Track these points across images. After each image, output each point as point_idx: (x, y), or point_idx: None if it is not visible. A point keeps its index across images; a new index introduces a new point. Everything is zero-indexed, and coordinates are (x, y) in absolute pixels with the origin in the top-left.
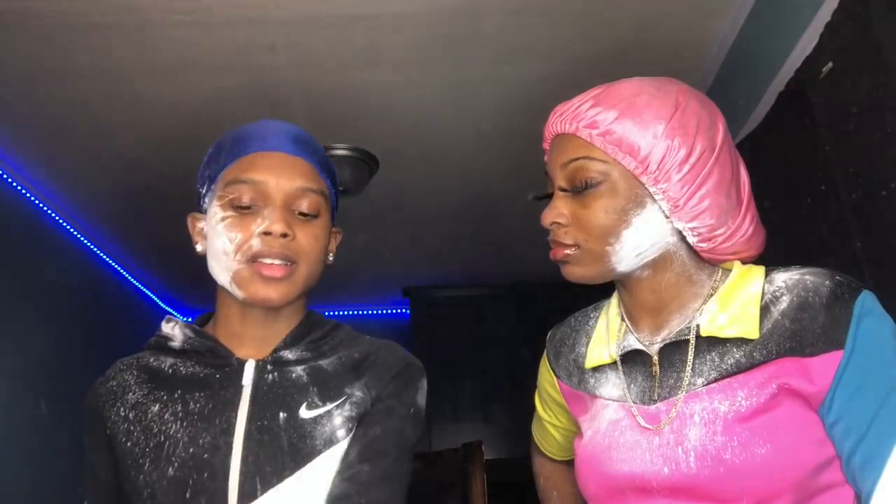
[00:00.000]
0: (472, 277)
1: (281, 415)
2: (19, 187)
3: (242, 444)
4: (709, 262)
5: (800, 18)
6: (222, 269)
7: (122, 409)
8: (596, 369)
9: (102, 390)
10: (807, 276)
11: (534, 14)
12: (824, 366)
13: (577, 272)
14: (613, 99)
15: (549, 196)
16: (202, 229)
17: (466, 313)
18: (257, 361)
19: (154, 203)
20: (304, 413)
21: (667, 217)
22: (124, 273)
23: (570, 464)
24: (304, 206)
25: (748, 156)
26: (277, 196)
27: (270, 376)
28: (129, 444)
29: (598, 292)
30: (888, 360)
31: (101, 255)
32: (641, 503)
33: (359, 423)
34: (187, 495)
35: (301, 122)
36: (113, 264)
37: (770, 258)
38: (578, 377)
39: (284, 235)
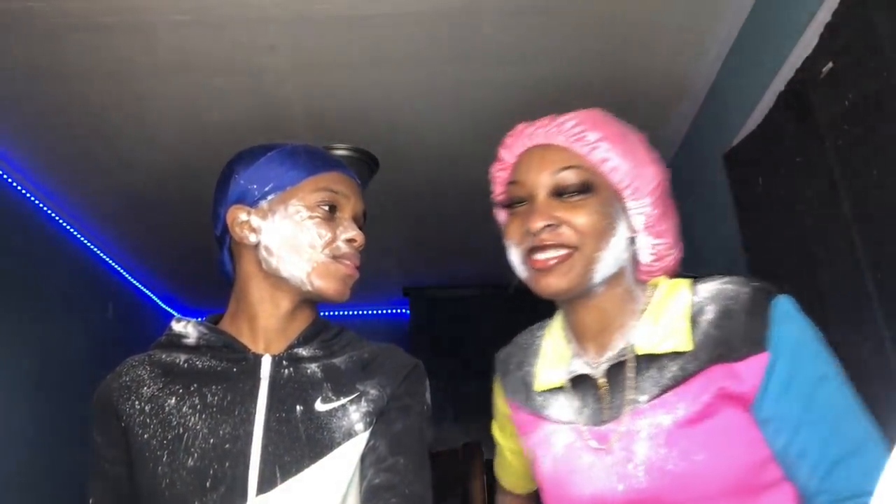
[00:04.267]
0: (472, 277)
1: (298, 407)
2: (19, 187)
3: (262, 434)
4: (642, 280)
5: (800, 18)
6: (302, 259)
7: (137, 402)
8: (545, 392)
9: (115, 385)
10: (727, 285)
11: (534, 14)
12: (752, 368)
13: (556, 284)
14: (593, 122)
15: (515, 204)
16: (248, 221)
17: (466, 313)
18: (273, 356)
19: (154, 203)
20: (320, 406)
21: (630, 234)
22: (124, 273)
23: (531, 497)
24: (361, 223)
25: (748, 156)
26: (353, 212)
27: (286, 371)
28: (145, 436)
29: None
30: (810, 356)
31: (102, 255)
32: None
33: (377, 418)
34: (208, 484)
35: (301, 122)
36: (113, 265)
37: (770, 257)
38: (526, 395)
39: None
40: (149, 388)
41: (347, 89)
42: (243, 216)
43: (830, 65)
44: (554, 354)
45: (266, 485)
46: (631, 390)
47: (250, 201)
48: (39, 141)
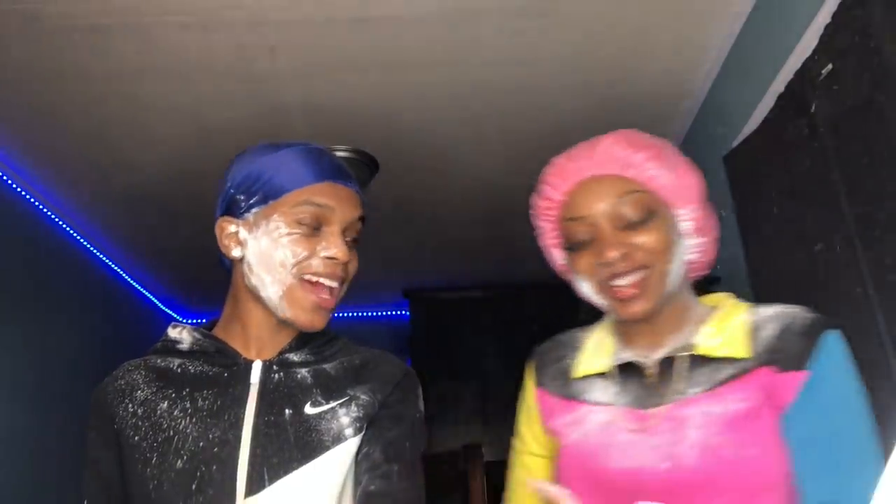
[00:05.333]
0: (471, 279)
1: (287, 411)
2: (19, 189)
3: (251, 437)
4: (690, 280)
5: (800, 20)
6: (275, 280)
7: (130, 405)
8: (585, 378)
9: (111, 388)
10: (789, 309)
11: (534, 17)
12: (793, 381)
13: (643, 308)
14: (634, 142)
15: (578, 245)
16: (235, 234)
17: (466, 315)
18: (264, 362)
19: (154, 205)
20: (309, 409)
21: (682, 239)
22: (125, 275)
23: None
24: (354, 233)
25: (748, 157)
26: (340, 224)
27: (276, 376)
28: (136, 438)
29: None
30: (846, 391)
31: (102, 257)
32: (622, 502)
33: (369, 425)
34: (194, 486)
35: (300, 124)
36: (113, 266)
37: (770, 258)
38: (562, 382)
39: (345, 262)
40: (142, 391)
41: (347, 91)
42: (231, 228)
43: (830, 66)
44: (598, 347)
45: (254, 487)
46: (682, 382)
47: (238, 213)
48: (39, 143)
